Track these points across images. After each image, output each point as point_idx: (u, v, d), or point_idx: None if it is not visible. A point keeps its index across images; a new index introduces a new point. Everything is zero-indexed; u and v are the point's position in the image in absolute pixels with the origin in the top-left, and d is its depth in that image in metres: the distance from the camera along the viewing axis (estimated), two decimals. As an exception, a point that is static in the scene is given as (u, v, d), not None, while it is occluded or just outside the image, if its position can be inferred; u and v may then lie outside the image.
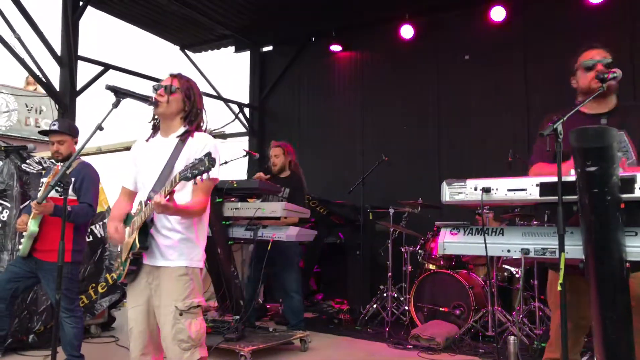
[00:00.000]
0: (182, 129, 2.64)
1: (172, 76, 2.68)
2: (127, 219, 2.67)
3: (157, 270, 2.52)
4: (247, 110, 8.94)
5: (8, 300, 3.65)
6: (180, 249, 2.52)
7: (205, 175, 2.20)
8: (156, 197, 2.30)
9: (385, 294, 5.67)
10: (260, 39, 8.83)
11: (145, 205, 2.46)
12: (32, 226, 3.58)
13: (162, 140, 2.65)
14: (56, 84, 6.06)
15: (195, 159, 2.22)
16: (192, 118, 2.65)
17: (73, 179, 3.64)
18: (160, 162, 2.56)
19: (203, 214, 2.61)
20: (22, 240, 3.67)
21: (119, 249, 2.68)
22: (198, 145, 2.56)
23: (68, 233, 3.53)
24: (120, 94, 2.57)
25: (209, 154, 2.20)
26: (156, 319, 2.54)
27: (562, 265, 1.97)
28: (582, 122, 2.29)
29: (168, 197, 2.30)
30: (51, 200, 3.43)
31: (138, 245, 2.44)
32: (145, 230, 2.48)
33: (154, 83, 2.67)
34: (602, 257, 1.98)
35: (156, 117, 2.70)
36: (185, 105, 2.64)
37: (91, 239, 5.13)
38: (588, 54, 2.55)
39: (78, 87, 6.16)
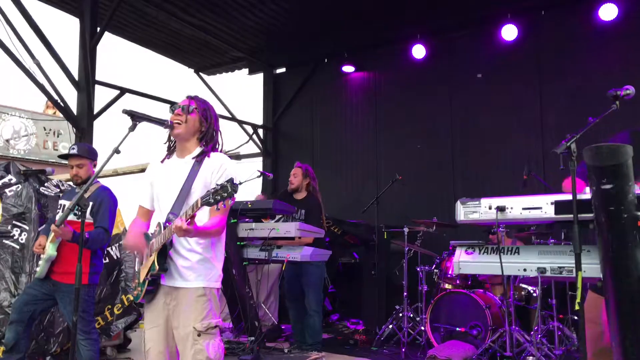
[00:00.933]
0: (198, 150, 2.65)
1: (190, 98, 2.71)
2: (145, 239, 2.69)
3: (176, 290, 2.52)
4: (261, 131, 9.02)
5: (26, 322, 3.67)
6: (198, 269, 2.53)
7: (228, 202, 2.21)
8: (177, 222, 2.29)
9: (401, 314, 5.61)
10: (273, 61, 8.95)
11: (164, 228, 2.47)
12: (51, 250, 3.61)
13: (178, 161, 2.67)
14: (74, 108, 6.19)
15: (218, 185, 2.21)
16: (208, 139, 2.67)
17: (91, 203, 3.68)
18: (177, 184, 2.58)
19: (221, 234, 2.62)
20: (39, 262, 3.70)
21: (135, 269, 2.70)
22: (214, 165, 2.58)
23: (85, 255, 3.58)
24: (136, 117, 2.60)
25: (231, 180, 2.20)
26: (175, 339, 2.54)
27: (579, 284, 1.95)
28: None
29: (189, 220, 2.30)
30: (69, 226, 3.47)
31: (157, 267, 2.45)
32: (164, 252, 2.49)
33: (172, 105, 2.71)
34: (619, 275, 1.96)
35: (172, 138, 2.72)
36: (202, 126, 2.66)
37: (107, 260, 5.16)
38: None
39: (95, 111, 6.28)
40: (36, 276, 3.73)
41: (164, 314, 2.56)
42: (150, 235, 2.63)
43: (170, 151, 2.74)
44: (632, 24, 5.91)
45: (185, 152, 2.67)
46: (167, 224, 2.47)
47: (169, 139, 2.75)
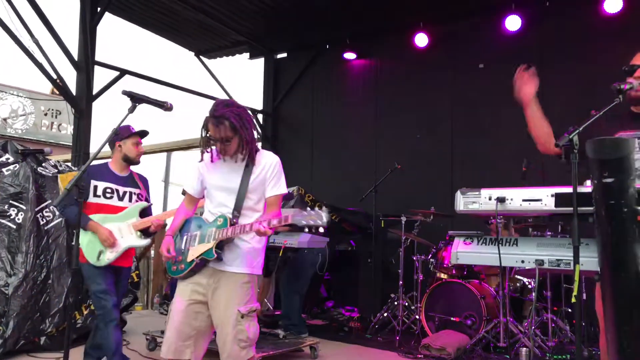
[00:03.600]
0: (243, 153, 2.72)
1: (216, 118, 2.60)
2: (194, 223, 2.82)
3: (222, 274, 2.69)
4: (261, 117, 8.98)
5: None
6: (246, 258, 2.71)
7: (320, 229, 2.38)
8: (261, 228, 2.46)
9: (396, 303, 5.64)
10: (274, 46, 8.88)
11: (232, 225, 2.63)
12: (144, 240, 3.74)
13: (228, 161, 2.76)
14: (73, 88, 6.14)
15: (313, 211, 2.36)
16: (249, 144, 2.69)
17: (139, 190, 3.84)
18: (233, 183, 2.72)
19: None
20: (113, 250, 3.59)
21: (182, 248, 2.78)
22: (266, 164, 2.75)
23: None
24: (136, 99, 2.62)
25: (327, 211, 2.36)
26: (211, 318, 2.69)
27: (576, 277, 1.96)
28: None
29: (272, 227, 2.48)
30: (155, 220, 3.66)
31: (215, 255, 2.63)
32: (222, 244, 2.65)
33: (210, 138, 2.68)
34: (618, 269, 1.96)
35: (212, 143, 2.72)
36: (244, 139, 2.67)
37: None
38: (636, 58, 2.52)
39: (94, 92, 6.24)
40: (101, 264, 3.57)
41: (203, 292, 2.70)
42: (211, 219, 2.74)
43: (213, 151, 2.77)
44: (637, 17, 5.87)
45: (233, 157, 2.74)
46: (235, 220, 2.66)
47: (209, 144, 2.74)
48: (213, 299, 2.68)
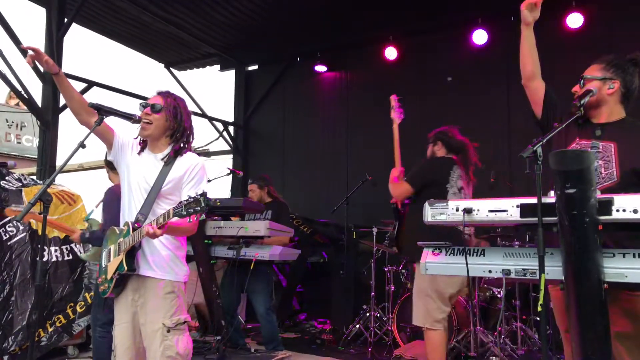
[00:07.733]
0: (168, 148, 2.65)
1: (159, 94, 2.68)
2: (110, 236, 2.68)
3: (144, 286, 2.54)
4: (231, 129, 8.95)
5: None
6: (168, 265, 2.57)
7: (201, 216, 2.24)
8: (148, 229, 2.32)
9: (368, 314, 5.65)
10: (245, 58, 8.88)
11: (134, 230, 2.46)
12: None
13: (150, 157, 2.66)
14: (39, 100, 6.01)
15: (191, 197, 2.22)
16: (178, 136, 2.65)
17: None
18: (147, 182, 2.59)
19: (194, 231, 2.64)
20: None
21: (102, 265, 2.68)
22: (187, 165, 2.60)
23: None
24: (103, 111, 2.56)
25: (204, 194, 2.21)
26: (142, 336, 2.56)
27: (542, 287, 1.99)
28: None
29: (160, 227, 2.34)
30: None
31: (126, 267, 2.47)
32: (132, 253, 2.50)
33: (141, 101, 2.67)
34: (581, 278, 2.00)
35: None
36: (170, 124, 2.64)
37: (71, 257, 5.05)
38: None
39: (61, 104, 6.12)
40: None
41: (131, 311, 2.57)
42: (118, 231, 2.61)
43: (144, 145, 2.71)
44: (596, 33, 6.07)
45: (157, 149, 2.67)
46: (136, 224, 2.48)
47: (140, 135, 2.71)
48: (141, 315, 2.55)
